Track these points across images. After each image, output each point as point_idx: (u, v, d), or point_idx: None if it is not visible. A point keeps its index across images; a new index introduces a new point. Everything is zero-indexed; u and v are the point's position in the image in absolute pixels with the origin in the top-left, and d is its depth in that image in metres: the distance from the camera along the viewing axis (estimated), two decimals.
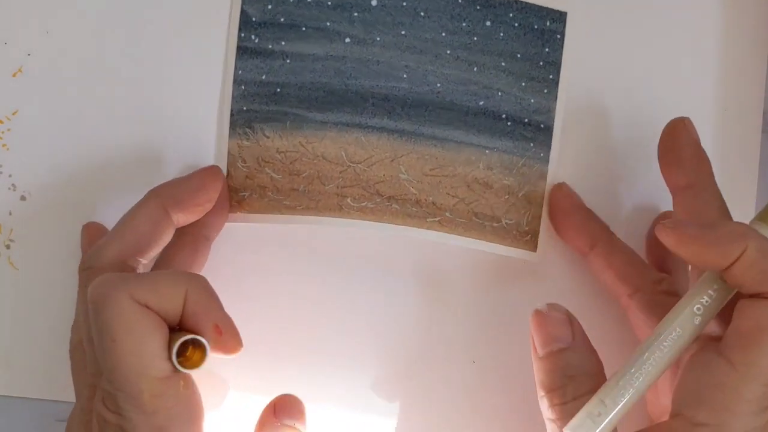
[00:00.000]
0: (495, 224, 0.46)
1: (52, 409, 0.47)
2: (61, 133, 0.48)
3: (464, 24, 0.47)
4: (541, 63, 0.46)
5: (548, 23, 0.46)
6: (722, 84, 0.49)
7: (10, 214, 0.48)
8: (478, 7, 0.47)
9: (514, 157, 0.46)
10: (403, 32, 0.47)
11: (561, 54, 0.47)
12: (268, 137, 0.47)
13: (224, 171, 0.47)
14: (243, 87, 0.47)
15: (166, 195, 0.43)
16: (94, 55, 0.48)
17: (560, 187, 0.46)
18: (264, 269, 0.48)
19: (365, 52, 0.47)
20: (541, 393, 0.41)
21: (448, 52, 0.47)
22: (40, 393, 0.47)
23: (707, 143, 0.47)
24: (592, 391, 0.39)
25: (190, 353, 0.38)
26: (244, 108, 0.47)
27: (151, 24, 0.49)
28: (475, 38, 0.47)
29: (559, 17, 0.47)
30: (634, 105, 0.49)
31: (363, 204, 0.46)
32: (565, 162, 0.47)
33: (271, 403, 0.42)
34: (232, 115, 0.47)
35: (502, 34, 0.47)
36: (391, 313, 0.48)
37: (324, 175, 0.46)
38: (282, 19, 0.47)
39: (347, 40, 0.47)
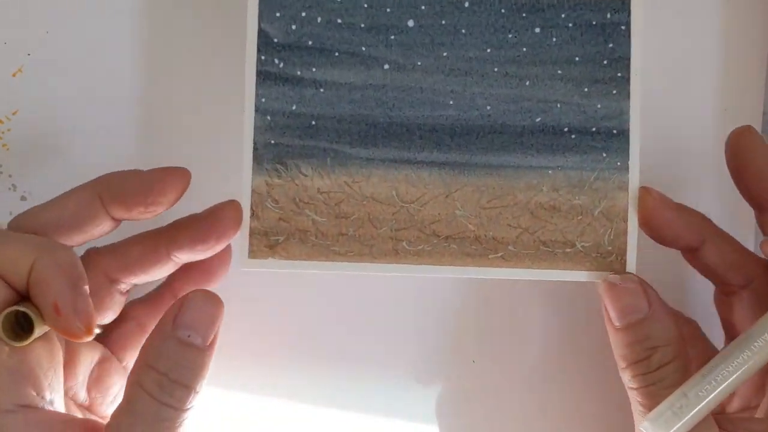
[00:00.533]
0: (568, 249, 0.43)
1: None
2: (61, 133, 0.48)
3: (510, 36, 0.43)
4: (605, 62, 0.43)
5: (609, 15, 0.43)
6: (722, 84, 0.49)
7: (11, 214, 0.47)
8: (523, 15, 0.43)
9: (584, 173, 0.43)
10: (444, 53, 0.43)
11: (629, 46, 0.43)
12: (305, 175, 0.42)
13: (247, 210, 0.42)
14: (269, 117, 0.42)
15: (104, 184, 0.40)
16: (95, 55, 0.47)
17: (649, 192, 0.42)
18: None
19: (406, 79, 0.43)
20: (622, 365, 0.40)
21: (495, 69, 0.43)
22: None
23: (707, 143, 0.49)
24: (677, 358, 0.39)
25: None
26: (272, 141, 0.42)
27: (159, 38, 0.48)
28: (524, 49, 0.43)
29: (622, 6, 0.43)
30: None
31: (420, 247, 0.42)
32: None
33: (176, 302, 0.38)
34: (255, 148, 0.42)
35: (554, 39, 0.43)
36: (401, 317, 0.49)
37: (375, 217, 0.42)
38: (310, 42, 0.42)
39: (386, 66, 0.43)
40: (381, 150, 0.42)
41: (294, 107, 0.42)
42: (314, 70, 0.42)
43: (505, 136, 0.43)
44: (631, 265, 0.43)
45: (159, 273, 0.42)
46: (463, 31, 0.43)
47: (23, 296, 0.37)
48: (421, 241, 0.42)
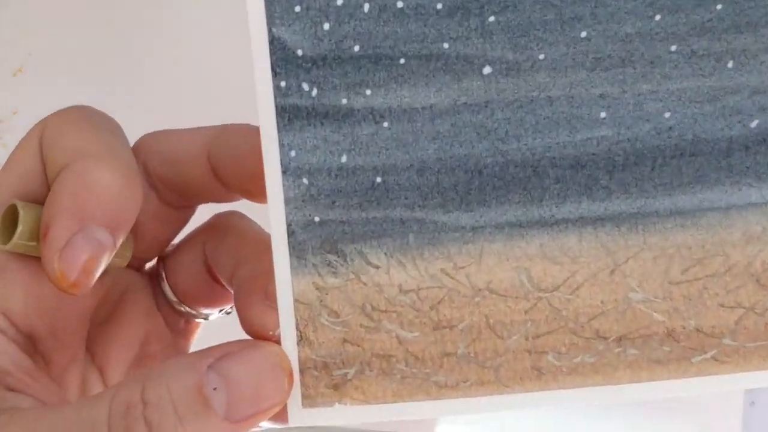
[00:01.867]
0: None
1: None
2: None
3: None
4: None
5: None
6: None
7: None
8: None
9: None
10: (583, 34, 0.25)
11: None
12: (377, 267, 0.26)
13: (291, 335, 0.26)
14: (305, 180, 0.26)
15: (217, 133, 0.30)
16: (95, 55, 0.47)
17: None
18: None
19: (523, 87, 0.26)
20: None
21: (673, 48, 0.25)
22: None
23: None
24: None
25: None
26: (316, 218, 0.26)
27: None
28: (719, 6, 0.25)
29: None
30: None
31: (576, 360, 0.26)
32: None
33: (242, 343, 0.27)
34: (291, 233, 0.26)
35: None
36: None
37: (499, 321, 0.26)
38: (356, 48, 0.25)
39: (486, 69, 0.25)
40: (495, 210, 0.26)
41: (344, 158, 0.26)
42: (369, 93, 0.26)
43: (701, 160, 0.25)
44: None
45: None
46: None
47: None
48: (577, 350, 0.26)
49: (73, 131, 0.28)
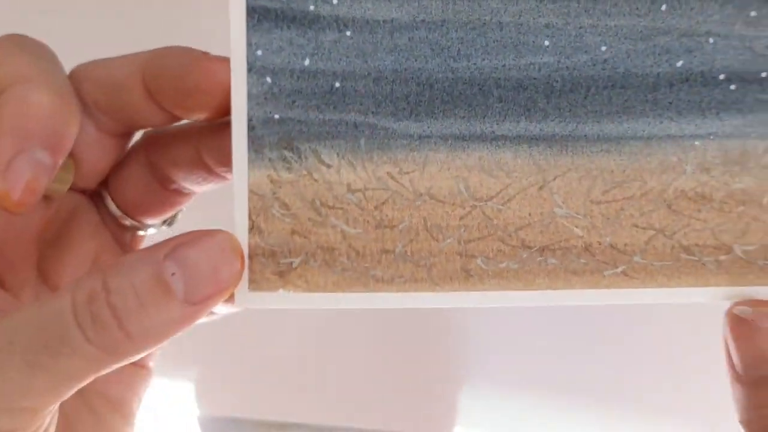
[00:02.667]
0: (722, 257, 0.29)
1: None
2: None
3: None
4: None
5: None
6: None
7: None
8: None
9: (749, 142, 0.28)
10: None
11: None
12: (329, 166, 0.28)
13: (244, 221, 0.28)
14: (269, 79, 0.27)
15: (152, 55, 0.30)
16: (94, 55, 0.39)
17: None
18: None
19: (477, 10, 0.28)
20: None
21: None
22: None
23: None
24: None
25: None
26: (276, 116, 0.28)
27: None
28: None
29: None
30: None
31: (502, 265, 0.28)
32: None
33: (196, 233, 0.28)
34: (252, 128, 0.28)
35: None
36: None
37: (436, 224, 0.28)
38: None
39: None
40: (441, 122, 0.28)
41: (307, 62, 0.28)
42: (335, 2, 0.28)
43: (629, 92, 0.28)
44: None
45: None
46: None
47: None
48: (503, 257, 0.28)
49: (8, 57, 0.28)
